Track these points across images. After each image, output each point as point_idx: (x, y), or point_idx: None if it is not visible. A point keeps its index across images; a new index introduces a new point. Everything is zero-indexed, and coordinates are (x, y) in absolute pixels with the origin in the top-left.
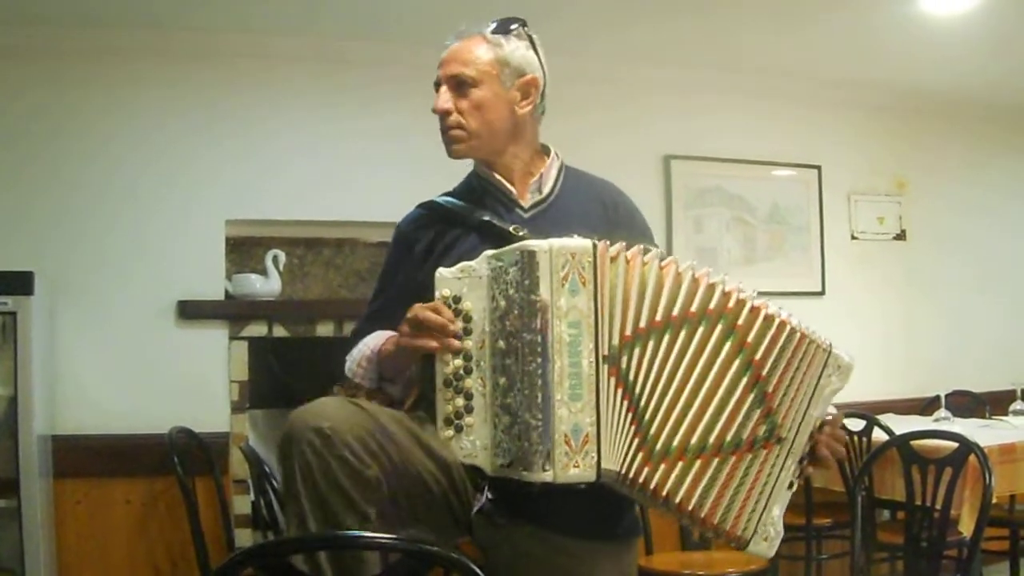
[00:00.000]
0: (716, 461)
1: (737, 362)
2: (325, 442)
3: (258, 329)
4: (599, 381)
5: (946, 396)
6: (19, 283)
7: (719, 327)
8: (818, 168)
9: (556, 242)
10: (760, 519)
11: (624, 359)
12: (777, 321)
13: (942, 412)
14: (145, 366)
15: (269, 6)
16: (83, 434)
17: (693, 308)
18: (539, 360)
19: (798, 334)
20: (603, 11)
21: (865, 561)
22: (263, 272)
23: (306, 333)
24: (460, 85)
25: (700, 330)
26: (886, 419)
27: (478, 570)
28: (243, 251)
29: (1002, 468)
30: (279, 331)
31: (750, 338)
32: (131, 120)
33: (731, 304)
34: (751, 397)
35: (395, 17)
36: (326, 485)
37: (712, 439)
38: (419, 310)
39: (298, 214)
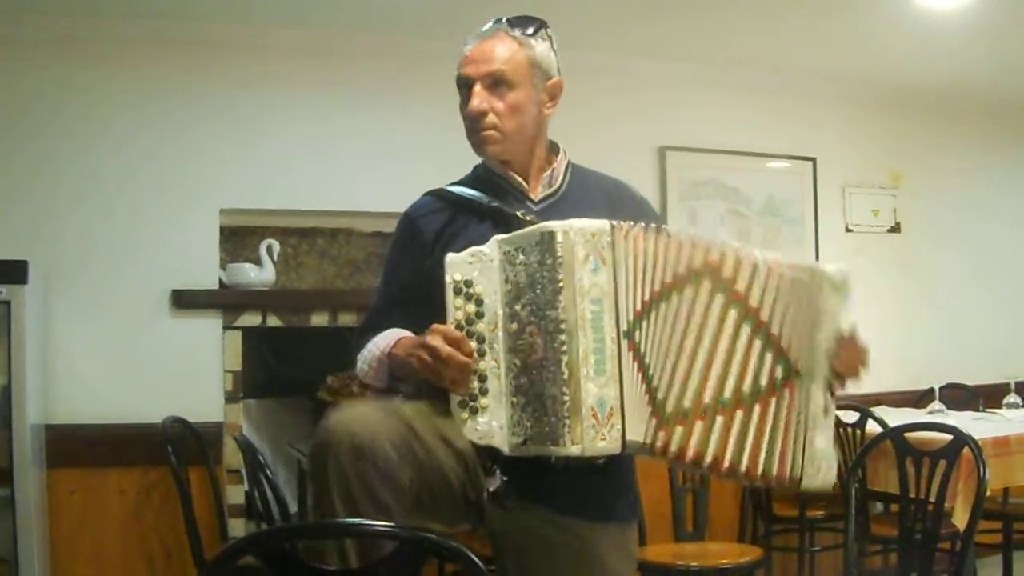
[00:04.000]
0: (740, 413)
1: (734, 314)
2: (360, 452)
3: (252, 319)
4: (620, 355)
5: (940, 389)
6: (13, 272)
7: (706, 283)
8: (813, 160)
9: (575, 223)
10: (804, 455)
11: (637, 332)
12: (762, 267)
13: (936, 405)
14: (139, 355)
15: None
16: (77, 423)
17: (681, 270)
18: (563, 337)
19: (783, 276)
20: (600, 5)
21: (858, 553)
22: (257, 261)
23: (300, 323)
24: (497, 85)
25: (688, 290)
26: (880, 411)
27: (475, 558)
28: (237, 240)
29: (996, 461)
30: (273, 321)
31: (740, 288)
32: (126, 109)
33: (712, 257)
34: (758, 344)
35: (394, 10)
36: (362, 494)
37: (729, 393)
38: (442, 343)
39: (293, 204)
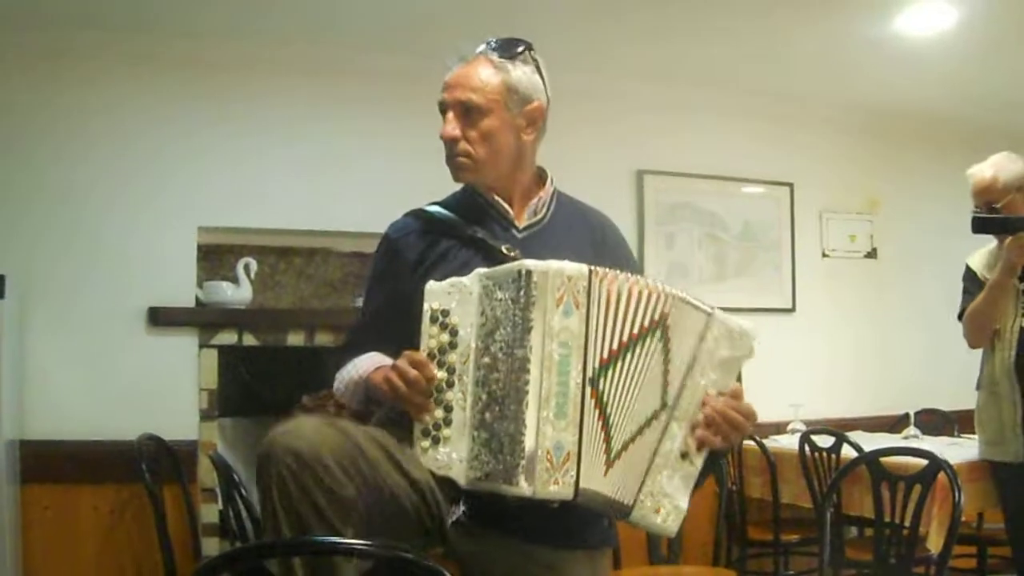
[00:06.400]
0: (632, 446)
1: (661, 356)
2: (301, 464)
3: (228, 337)
4: (583, 401)
5: (915, 414)
6: None
7: (658, 333)
8: (790, 186)
9: (554, 264)
10: (642, 486)
11: (602, 381)
12: (680, 300)
13: (911, 430)
14: (114, 372)
15: (249, 16)
16: (51, 440)
17: (645, 323)
18: (527, 376)
19: (678, 300)
20: (580, 29)
21: None
22: (234, 280)
23: (276, 342)
24: (468, 112)
25: (648, 343)
26: (855, 436)
27: None
28: (215, 258)
29: (970, 486)
30: (249, 339)
31: (670, 331)
32: (105, 126)
33: (666, 308)
34: (660, 379)
35: (377, 30)
36: (303, 505)
37: (635, 428)
38: (407, 367)
39: (271, 223)
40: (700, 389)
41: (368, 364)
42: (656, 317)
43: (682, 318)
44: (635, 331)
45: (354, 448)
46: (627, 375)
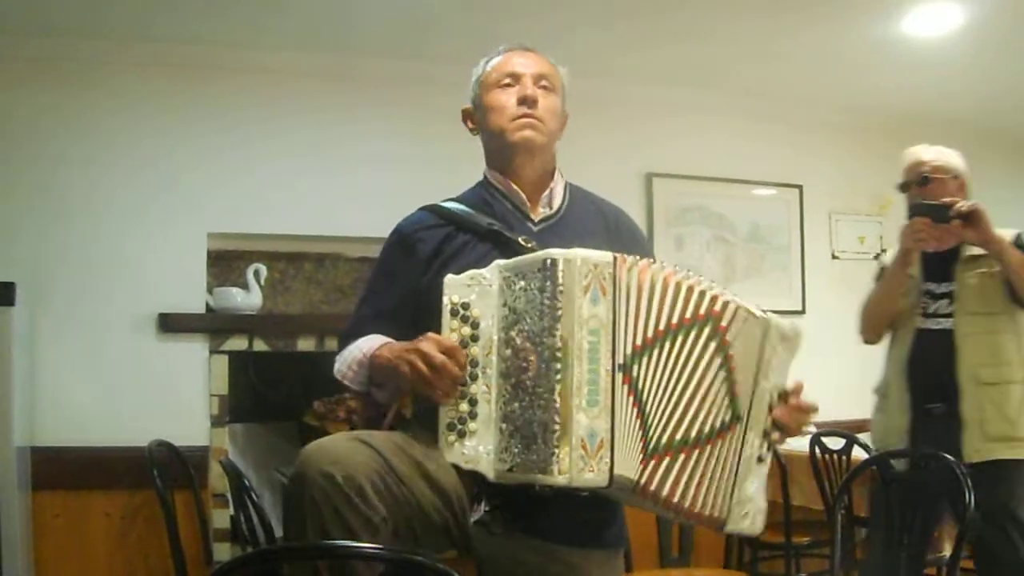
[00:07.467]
0: (696, 453)
1: (718, 360)
2: (335, 487)
3: (238, 343)
4: (614, 388)
5: None
6: (0, 294)
7: (707, 329)
8: (799, 187)
9: (579, 252)
10: (733, 498)
11: (635, 367)
12: (741, 313)
13: None
14: (125, 379)
15: (258, 23)
16: (62, 446)
17: (688, 315)
18: (558, 366)
19: (741, 310)
20: (587, 33)
21: None
22: (244, 286)
23: (287, 348)
24: (544, 85)
25: (692, 334)
26: (866, 438)
27: None
28: (225, 264)
29: None
30: (259, 345)
31: (729, 336)
32: (114, 132)
33: (716, 307)
34: (724, 387)
35: (385, 34)
36: (336, 528)
37: (694, 433)
38: (435, 352)
39: (280, 228)
40: (767, 395)
41: (371, 344)
42: (702, 312)
43: (743, 326)
44: (674, 321)
45: (384, 465)
46: (667, 364)
